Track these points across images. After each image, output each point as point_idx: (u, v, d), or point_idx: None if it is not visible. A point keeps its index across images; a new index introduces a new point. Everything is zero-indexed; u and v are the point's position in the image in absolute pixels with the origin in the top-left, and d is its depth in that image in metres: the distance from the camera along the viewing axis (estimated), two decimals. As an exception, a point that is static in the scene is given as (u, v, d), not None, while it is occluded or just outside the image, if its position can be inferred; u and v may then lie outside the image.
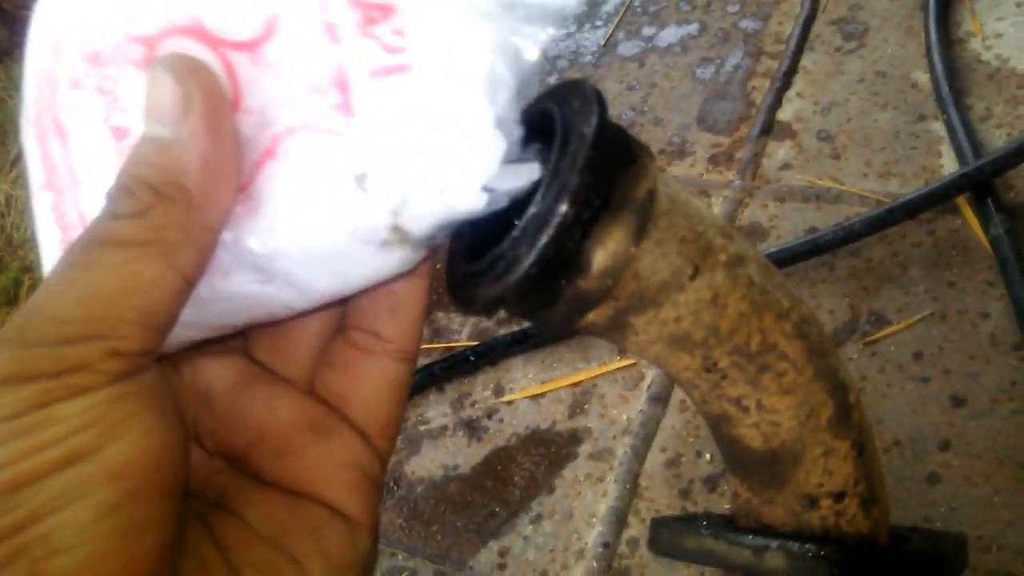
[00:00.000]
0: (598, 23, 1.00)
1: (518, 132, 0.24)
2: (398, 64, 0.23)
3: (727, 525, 0.32)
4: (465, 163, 0.23)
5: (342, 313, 0.29)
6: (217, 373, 0.28)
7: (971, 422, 0.59)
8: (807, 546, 0.28)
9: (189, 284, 0.23)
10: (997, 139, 0.71)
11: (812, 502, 0.29)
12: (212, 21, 0.23)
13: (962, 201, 0.68)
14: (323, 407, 0.28)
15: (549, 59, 0.99)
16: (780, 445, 0.29)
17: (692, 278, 0.26)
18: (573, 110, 0.25)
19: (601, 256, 0.24)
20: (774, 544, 0.28)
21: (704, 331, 0.27)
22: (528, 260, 0.23)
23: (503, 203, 0.24)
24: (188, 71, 0.22)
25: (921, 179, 0.72)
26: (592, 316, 0.26)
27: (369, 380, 0.28)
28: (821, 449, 0.29)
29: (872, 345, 0.64)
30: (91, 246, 0.22)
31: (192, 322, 0.25)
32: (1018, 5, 0.80)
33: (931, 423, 0.60)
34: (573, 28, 1.01)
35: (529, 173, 0.24)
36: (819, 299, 0.68)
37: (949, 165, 0.71)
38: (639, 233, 0.25)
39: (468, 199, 0.23)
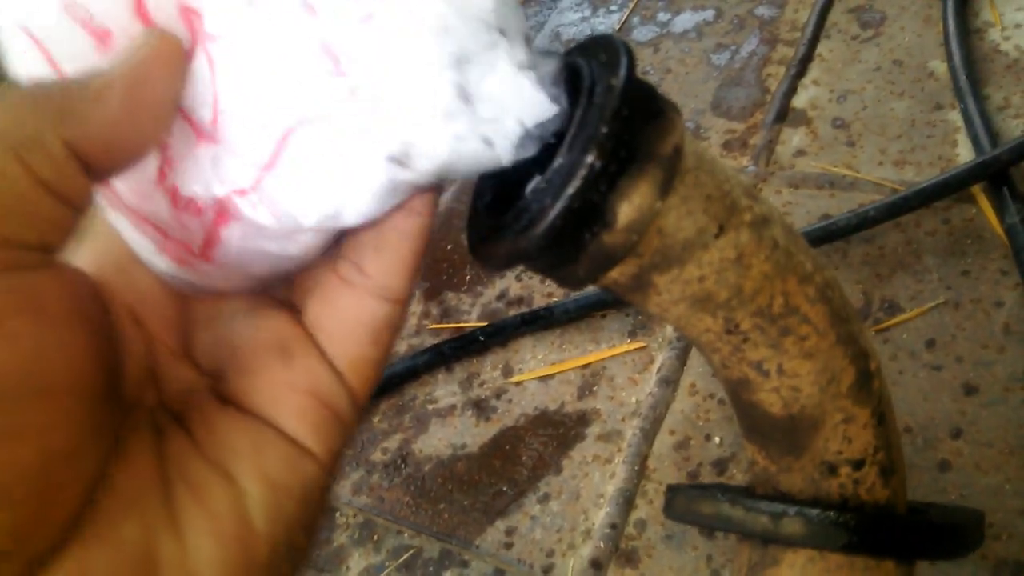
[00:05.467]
0: (612, 8, 0.99)
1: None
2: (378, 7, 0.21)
3: (744, 492, 0.31)
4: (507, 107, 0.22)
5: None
6: (227, 299, 0.29)
7: (983, 410, 0.59)
8: (826, 512, 0.28)
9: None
10: (1014, 129, 0.71)
11: (831, 469, 0.29)
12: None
13: (977, 190, 0.67)
14: (298, 331, 0.27)
15: (563, 43, 0.98)
16: (800, 411, 0.28)
17: (717, 237, 0.26)
18: (600, 63, 0.25)
19: (627, 210, 0.24)
20: (792, 510, 0.28)
21: (727, 292, 0.26)
22: (553, 212, 0.23)
23: (532, 150, 0.23)
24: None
25: (937, 168, 0.71)
26: (615, 273, 0.26)
27: (344, 313, 0.27)
28: (841, 416, 0.29)
29: (884, 332, 0.64)
30: None
31: (222, 275, 0.26)
32: (1038, -4, 0.79)
33: (943, 411, 0.59)
34: (588, 12, 1.00)
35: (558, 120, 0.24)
36: (832, 285, 0.67)
37: (965, 154, 0.71)
38: (665, 188, 0.24)
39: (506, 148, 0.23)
